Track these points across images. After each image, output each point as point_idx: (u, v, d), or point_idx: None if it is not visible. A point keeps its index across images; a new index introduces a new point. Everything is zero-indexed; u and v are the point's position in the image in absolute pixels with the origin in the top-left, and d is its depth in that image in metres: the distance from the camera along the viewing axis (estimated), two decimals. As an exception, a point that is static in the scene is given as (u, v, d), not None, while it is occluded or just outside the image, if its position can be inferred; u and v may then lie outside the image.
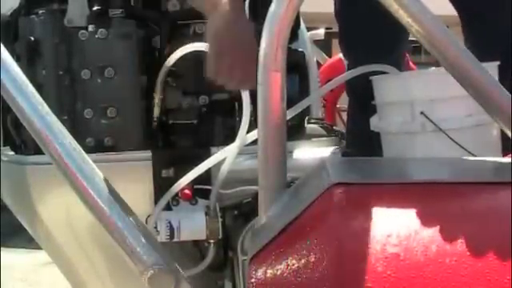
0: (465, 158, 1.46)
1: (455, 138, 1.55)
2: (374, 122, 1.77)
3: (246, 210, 1.70)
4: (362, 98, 1.80)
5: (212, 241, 1.67)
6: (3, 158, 1.73)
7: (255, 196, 1.20)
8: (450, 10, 2.06)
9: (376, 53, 1.83)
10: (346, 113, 2.44)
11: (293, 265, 0.95)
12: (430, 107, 1.58)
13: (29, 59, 1.63)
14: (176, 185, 1.59)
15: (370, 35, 2.01)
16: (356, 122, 2.13)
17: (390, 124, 1.69)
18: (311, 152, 1.69)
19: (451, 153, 1.54)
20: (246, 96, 1.56)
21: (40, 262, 3.94)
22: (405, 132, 1.64)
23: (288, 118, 1.31)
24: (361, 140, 1.89)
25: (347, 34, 2.18)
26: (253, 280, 0.98)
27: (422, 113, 1.58)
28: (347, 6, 2.12)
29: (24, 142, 1.67)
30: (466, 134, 1.57)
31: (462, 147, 1.53)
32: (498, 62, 1.58)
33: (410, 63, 3.70)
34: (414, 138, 1.62)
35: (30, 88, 1.15)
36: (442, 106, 1.59)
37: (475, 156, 1.51)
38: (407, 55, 2.60)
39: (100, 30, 1.63)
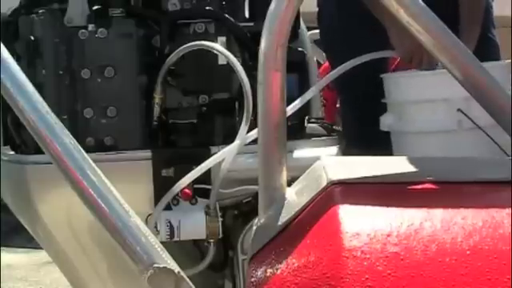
0: (465, 157, 1.46)
1: (491, 134, 1.52)
2: (388, 122, 1.73)
3: (245, 210, 1.70)
4: (357, 93, 1.79)
5: (212, 240, 1.67)
6: (3, 157, 1.73)
7: (255, 195, 1.20)
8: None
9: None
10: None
11: (293, 264, 0.95)
12: (466, 105, 1.54)
13: (29, 58, 1.63)
14: (176, 185, 1.59)
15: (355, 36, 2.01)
16: (353, 120, 2.12)
17: (417, 123, 1.65)
18: (311, 151, 1.69)
19: (486, 150, 1.51)
20: (248, 95, 1.56)
21: (40, 261, 3.94)
22: (437, 131, 1.61)
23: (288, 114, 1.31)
24: (361, 137, 1.88)
25: (331, 35, 2.18)
26: (253, 279, 0.98)
27: (459, 110, 1.55)
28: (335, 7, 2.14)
29: (24, 142, 1.67)
30: (500, 131, 1.55)
31: (498, 145, 1.50)
32: (508, 62, 1.57)
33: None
34: (449, 136, 1.59)
35: (30, 87, 1.14)
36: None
37: (509, 154, 1.49)
38: None
39: (100, 29, 1.63)
